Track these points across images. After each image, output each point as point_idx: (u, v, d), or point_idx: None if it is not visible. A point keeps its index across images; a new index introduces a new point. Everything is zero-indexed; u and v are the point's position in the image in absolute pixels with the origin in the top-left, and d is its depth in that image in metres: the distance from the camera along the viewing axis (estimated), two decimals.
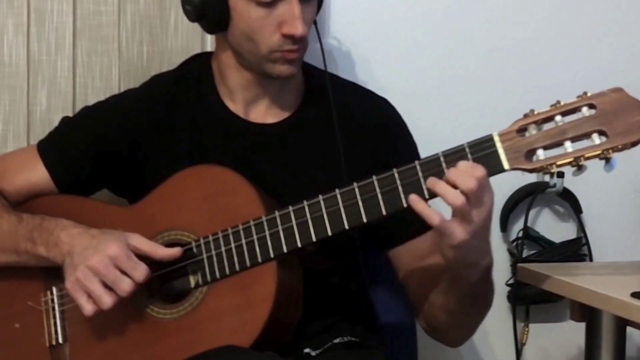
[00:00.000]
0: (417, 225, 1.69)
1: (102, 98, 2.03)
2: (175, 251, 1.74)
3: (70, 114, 2.08)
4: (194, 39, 2.14)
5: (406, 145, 1.91)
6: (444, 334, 1.88)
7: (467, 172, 1.56)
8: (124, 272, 1.71)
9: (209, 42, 2.10)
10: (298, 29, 1.76)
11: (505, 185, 2.28)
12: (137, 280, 1.71)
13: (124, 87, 2.14)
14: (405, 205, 1.61)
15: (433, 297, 1.78)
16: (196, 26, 1.90)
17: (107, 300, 1.71)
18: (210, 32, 1.91)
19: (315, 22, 1.89)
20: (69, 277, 1.74)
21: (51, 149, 1.95)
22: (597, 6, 2.32)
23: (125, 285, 1.70)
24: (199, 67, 1.96)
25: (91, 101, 2.06)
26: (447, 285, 1.73)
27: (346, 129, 1.87)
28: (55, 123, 2.01)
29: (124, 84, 2.15)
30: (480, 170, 1.56)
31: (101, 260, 1.70)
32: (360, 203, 1.64)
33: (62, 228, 1.78)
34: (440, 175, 1.59)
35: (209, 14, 1.83)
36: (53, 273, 1.82)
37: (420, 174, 1.61)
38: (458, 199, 1.56)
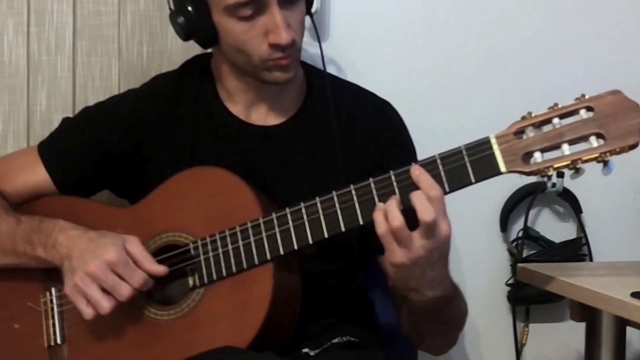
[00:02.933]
0: None
1: (102, 98, 2.04)
2: (162, 269, 1.73)
3: (70, 114, 2.08)
4: None
5: (406, 149, 1.91)
6: (417, 344, 1.91)
7: (426, 198, 1.57)
8: (122, 278, 1.71)
9: None
10: (282, 37, 1.75)
11: (505, 185, 2.28)
12: (135, 287, 1.71)
13: (124, 87, 2.14)
14: (402, 207, 1.60)
15: (404, 309, 1.80)
16: None
17: (105, 304, 1.71)
18: (204, 47, 1.91)
19: (314, 24, 1.89)
20: (68, 281, 1.74)
21: (52, 150, 1.95)
22: (595, 9, 2.31)
23: (123, 291, 1.71)
24: (199, 68, 1.96)
25: (91, 101, 2.06)
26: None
27: (347, 131, 1.87)
28: (55, 123, 2.01)
29: (124, 84, 2.15)
30: (436, 191, 1.57)
31: (99, 266, 1.71)
32: (356, 205, 1.64)
33: (59, 230, 1.78)
34: (437, 178, 1.59)
35: (197, 33, 1.84)
36: (52, 274, 1.82)
37: None
38: (396, 220, 1.58)
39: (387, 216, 1.59)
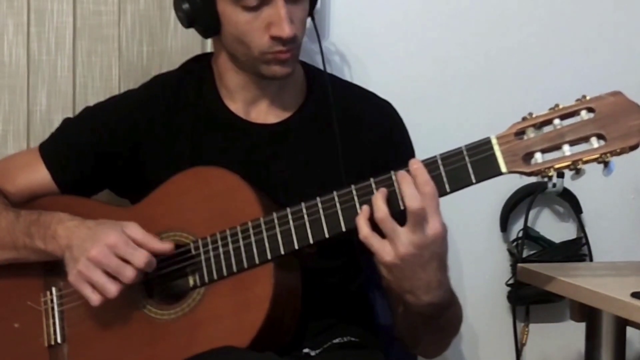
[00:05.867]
0: None
1: (102, 98, 2.03)
2: (167, 246, 1.74)
3: (71, 114, 2.09)
4: (194, 39, 2.14)
5: (405, 149, 1.91)
6: (411, 348, 1.90)
7: (418, 186, 1.58)
8: (124, 260, 1.71)
9: (209, 42, 2.09)
10: (285, 30, 1.76)
11: (505, 185, 2.28)
12: (138, 266, 1.70)
13: (124, 87, 2.14)
14: (402, 207, 1.60)
15: (400, 311, 1.80)
16: None
17: (111, 288, 1.71)
18: (204, 36, 1.93)
19: (314, 22, 1.90)
20: (71, 270, 1.74)
21: (53, 150, 1.95)
22: (596, 9, 2.32)
23: (128, 272, 1.70)
24: (200, 67, 1.96)
25: (91, 101, 2.06)
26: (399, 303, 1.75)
27: (347, 131, 1.87)
28: (56, 123, 2.02)
29: (124, 84, 2.15)
30: (429, 187, 1.57)
31: (101, 250, 1.71)
32: (357, 205, 1.64)
33: (58, 221, 1.78)
34: (437, 178, 1.59)
35: (200, 20, 1.84)
36: (53, 273, 1.83)
37: None
38: (380, 211, 1.58)
39: (372, 209, 1.59)
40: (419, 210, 1.56)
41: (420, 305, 1.65)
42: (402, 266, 1.59)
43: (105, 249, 1.70)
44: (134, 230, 1.73)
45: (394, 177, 1.62)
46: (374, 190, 1.63)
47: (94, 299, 1.73)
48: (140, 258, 1.70)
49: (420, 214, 1.56)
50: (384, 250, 1.59)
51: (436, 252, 1.60)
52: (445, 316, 1.72)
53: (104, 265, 1.71)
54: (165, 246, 1.73)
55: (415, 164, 1.60)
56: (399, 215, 1.60)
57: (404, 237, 1.57)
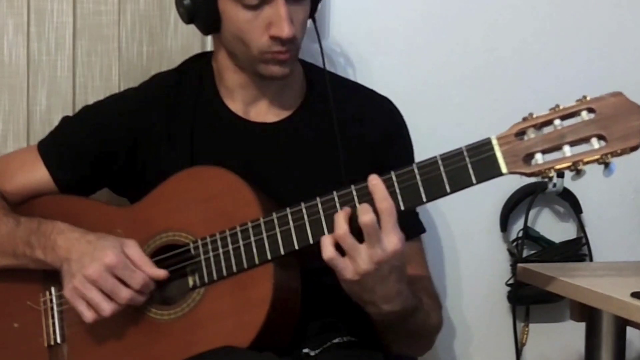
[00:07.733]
0: None
1: (102, 98, 2.03)
2: (162, 273, 1.74)
3: (70, 114, 2.08)
4: (194, 39, 2.14)
5: (404, 144, 1.92)
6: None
7: (375, 202, 1.59)
8: (121, 280, 1.71)
9: (209, 42, 2.10)
10: (284, 30, 1.76)
11: (505, 185, 2.28)
12: (135, 289, 1.71)
13: (124, 87, 2.13)
14: (402, 208, 1.60)
15: None
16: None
17: (106, 307, 1.71)
18: (204, 33, 1.93)
19: (315, 23, 1.90)
20: (67, 284, 1.74)
21: (51, 148, 1.95)
22: (596, 9, 2.31)
23: (123, 294, 1.71)
24: (199, 66, 1.96)
25: (91, 101, 2.06)
26: None
27: (347, 129, 1.87)
28: (56, 123, 2.01)
29: (124, 84, 2.15)
30: (386, 204, 1.59)
31: (98, 269, 1.71)
32: (357, 205, 1.63)
33: (58, 232, 1.78)
34: (438, 178, 1.59)
35: (200, 17, 1.85)
36: (52, 273, 1.82)
37: (418, 177, 1.61)
38: (340, 228, 1.60)
39: (334, 227, 1.61)
40: (370, 223, 1.57)
41: (382, 313, 1.68)
42: (362, 281, 1.62)
43: (102, 268, 1.71)
44: (133, 250, 1.73)
45: (394, 178, 1.62)
46: None
47: (88, 315, 1.73)
48: (138, 281, 1.71)
49: (372, 226, 1.57)
50: (345, 269, 1.61)
51: (395, 265, 1.62)
52: (410, 321, 1.74)
53: (99, 285, 1.71)
54: (159, 272, 1.74)
55: (373, 180, 1.61)
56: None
57: (364, 254, 1.59)
